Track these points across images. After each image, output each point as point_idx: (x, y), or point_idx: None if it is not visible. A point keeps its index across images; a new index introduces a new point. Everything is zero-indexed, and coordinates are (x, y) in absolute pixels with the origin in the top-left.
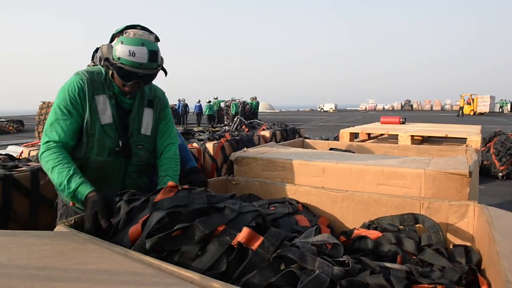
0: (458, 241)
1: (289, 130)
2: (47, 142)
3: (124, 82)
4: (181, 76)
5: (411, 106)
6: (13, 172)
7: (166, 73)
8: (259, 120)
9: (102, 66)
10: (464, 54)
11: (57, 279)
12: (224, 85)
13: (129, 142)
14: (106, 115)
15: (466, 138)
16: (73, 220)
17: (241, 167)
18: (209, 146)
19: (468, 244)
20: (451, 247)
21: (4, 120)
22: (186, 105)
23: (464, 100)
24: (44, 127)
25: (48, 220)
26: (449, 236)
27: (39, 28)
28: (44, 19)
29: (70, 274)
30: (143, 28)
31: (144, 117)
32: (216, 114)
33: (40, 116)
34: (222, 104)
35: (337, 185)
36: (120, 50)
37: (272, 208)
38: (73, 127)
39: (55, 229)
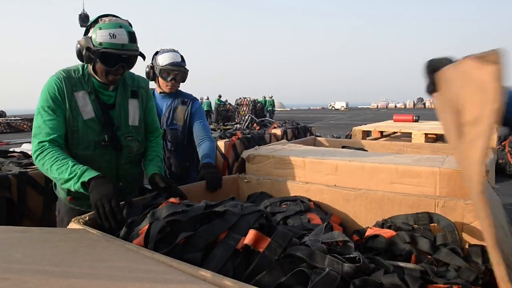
0: (474, 241)
1: (301, 128)
2: (38, 143)
3: (109, 67)
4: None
5: (424, 104)
6: (28, 170)
7: (144, 57)
8: (270, 118)
9: (81, 59)
10: (481, 46)
11: (72, 275)
12: (234, 83)
13: (116, 135)
14: (88, 110)
15: None
16: (87, 217)
17: (252, 165)
18: (220, 144)
19: (485, 244)
20: (467, 246)
21: (18, 118)
22: None
23: None
24: (32, 131)
25: None
26: (465, 235)
27: (57, 35)
28: (58, 28)
29: (84, 271)
30: (115, 16)
31: (130, 108)
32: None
33: None
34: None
35: (350, 183)
36: (100, 35)
37: (283, 206)
38: (60, 125)
39: (68, 226)
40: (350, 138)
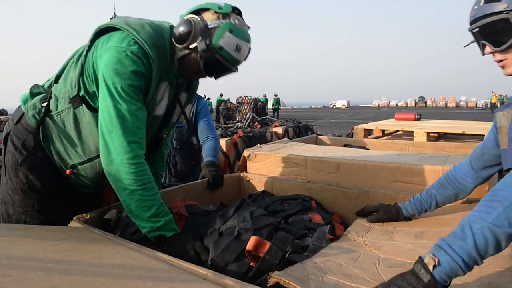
0: None
1: (302, 127)
2: (129, 144)
3: (207, 73)
4: None
5: (425, 102)
6: None
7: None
8: (271, 117)
9: (181, 42)
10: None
11: (73, 272)
12: (234, 82)
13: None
14: (161, 106)
15: (483, 135)
16: (88, 216)
17: (254, 163)
18: (222, 142)
19: None
20: None
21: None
22: None
23: (496, 96)
24: (107, 122)
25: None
26: None
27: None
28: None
29: (85, 268)
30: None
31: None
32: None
33: None
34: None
35: (352, 182)
36: (227, 40)
37: (285, 205)
38: (145, 120)
39: (69, 224)
40: (352, 136)
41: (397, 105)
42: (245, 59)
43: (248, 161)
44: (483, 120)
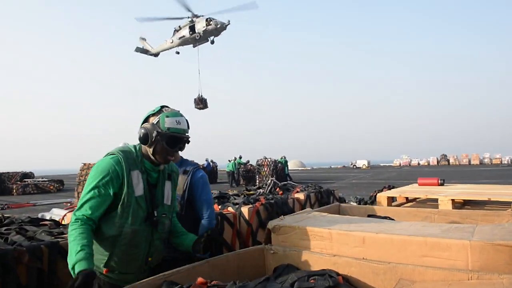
0: None
1: (324, 192)
2: (74, 215)
3: (171, 149)
4: (206, 135)
5: (448, 160)
6: (59, 240)
7: (189, 141)
8: (290, 178)
9: (145, 142)
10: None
11: None
12: (252, 143)
13: (155, 212)
14: (139, 188)
15: (511, 202)
16: None
17: (278, 235)
18: (244, 210)
19: None
20: None
21: (46, 180)
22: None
23: None
24: (80, 199)
25: None
26: None
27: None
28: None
29: None
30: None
31: (165, 188)
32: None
33: (81, 177)
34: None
35: (378, 256)
36: (169, 121)
37: (312, 281)
38: (101, 205)
39: None
40: (374, 199)
41: (419, 163)
42: (189, 127)
43: (272, 233)
44: (509, 177)
